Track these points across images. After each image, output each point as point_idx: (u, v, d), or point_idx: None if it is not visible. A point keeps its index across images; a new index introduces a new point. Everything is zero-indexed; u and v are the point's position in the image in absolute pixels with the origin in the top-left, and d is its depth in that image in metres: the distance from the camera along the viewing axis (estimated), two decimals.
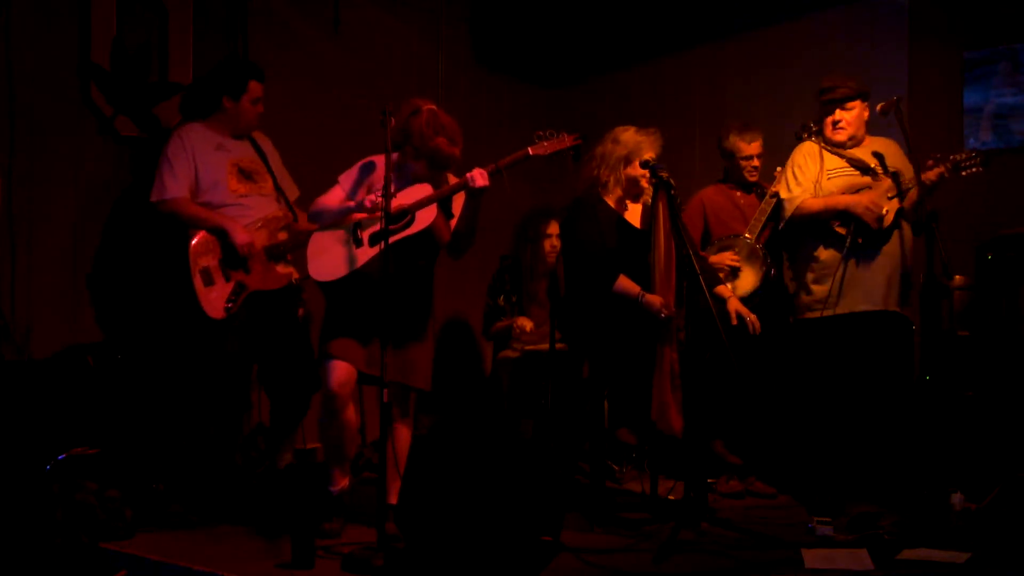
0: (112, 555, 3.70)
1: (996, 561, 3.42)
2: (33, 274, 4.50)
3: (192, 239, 4.42)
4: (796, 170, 4.65)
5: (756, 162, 4.97)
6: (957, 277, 4.74)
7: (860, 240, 4.46)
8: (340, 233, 4.03)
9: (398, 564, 3.39)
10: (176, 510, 4.15)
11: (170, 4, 4.93)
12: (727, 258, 4.81)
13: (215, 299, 4.40)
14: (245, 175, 4.59)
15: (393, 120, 3.81)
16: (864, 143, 4.64)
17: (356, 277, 3.92)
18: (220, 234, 4.43)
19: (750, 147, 4.94)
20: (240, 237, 4.41)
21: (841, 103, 4.54)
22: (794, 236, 4.70)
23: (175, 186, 4.45)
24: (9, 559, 3.60)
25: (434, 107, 4.00)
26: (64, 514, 3.78)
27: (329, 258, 4.01)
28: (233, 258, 4.44)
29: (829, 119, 4.60)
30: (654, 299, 4.10)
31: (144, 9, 4.86)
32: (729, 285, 4.68)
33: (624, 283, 4.16)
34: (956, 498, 4.08)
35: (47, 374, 4.21)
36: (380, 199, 3.80)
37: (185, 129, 4.58)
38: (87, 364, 4.28)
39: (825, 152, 4.61)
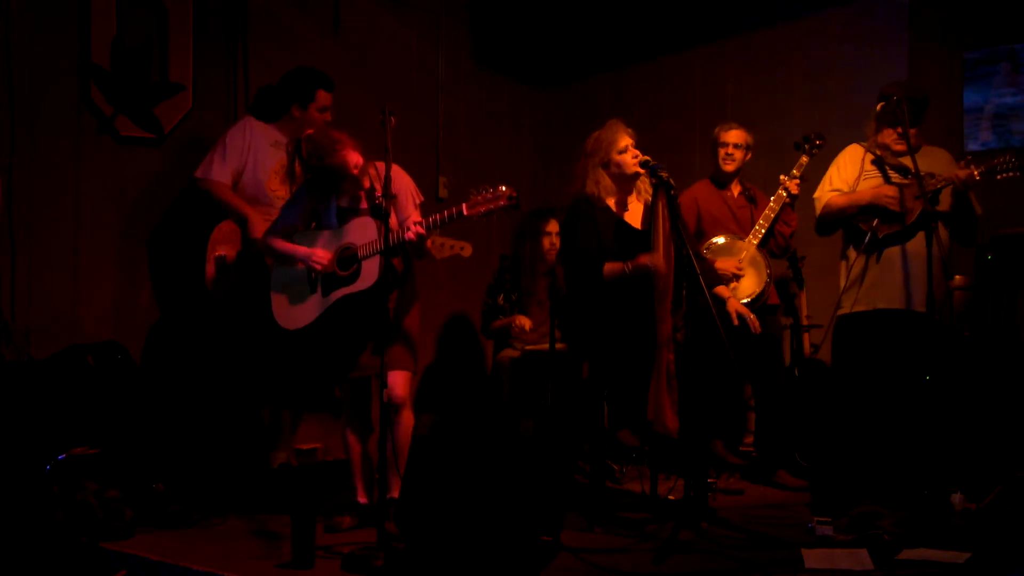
0: (112, 555, 3.70)
1: (996, 561, 3.42)
2: (33, 274, 4.50)
3: (216, 227, 4.49)
4: (834, 169, 4.67)
5: (731, 150, 5.10)
6: (957, 277, 4.74)
7: (881, 235, 4.44)
8: (299, 270, 4.06)
9: (398, 564, 3.39)
10: (176, 510, 4.16)
11: (170, 4, 4.93)
12: (732, 265, 4.85)
13: (223, 288, 4.45)
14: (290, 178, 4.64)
15: (394, 120, 3.81)
16: (920, 151, 4.55)
17: (317, 324, 4.01)
18: (242, 224, 4.48)
19: (726, 135, 5.11)
20: (256, 232, 4.45)
21: (917, 122, 4.47)
22: (827, 234, 4.73)
23: (221, 171, 4.58)
24: (9, 559, 3.60)
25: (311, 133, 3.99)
26: (64, 514, 3.78)
27: (291, 300, 4.07)
28: (250, 252, 4.49)
29: (897, 129, 4.49)
30: (642, 258, 4.08)
31: (144, 9, 4.86)
32: (732, 285, 4.72)
33: (609, 267, 4.15)
34: (956, 498, 4.08)
35: (47, 374, 4.21)
36: (328, 263, 3.92)
37: (251, 120, 4.73)
38: (87, 364, 4.28)
39: (868, 156, 4.61)
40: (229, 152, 4.59)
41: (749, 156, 5.12)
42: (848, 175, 4.61)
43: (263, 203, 4.59)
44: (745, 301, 4.70)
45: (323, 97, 4.73)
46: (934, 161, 4.54)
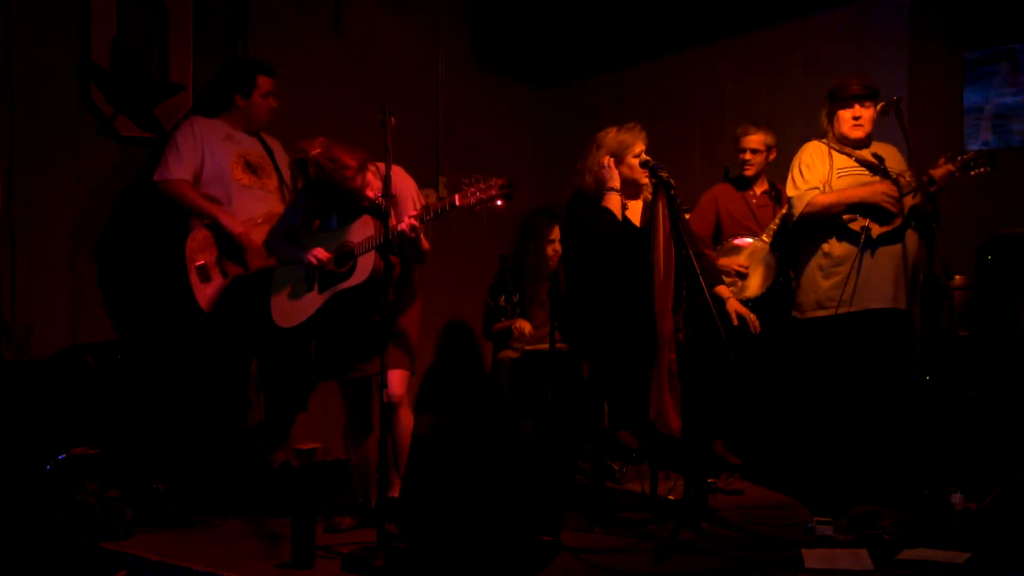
0: (112, 555, 3.70)
1: (996, 561, 3.42)
2: (33, 274, 4.50)
3: (188, 237, 4.44)
4: (804, 168, 4.54)
5: (749, 156, 5.11)
6: (957, 277, 4.74)
7: (875, 235, 4.41)
8: (299, 270, 4.06)
9: (398, 564, 3.39)
10: (176, 510, 4.15)
11: (170, 4, 4.93)
12: (736, 263, 4.84)
13: (212, 295, 4.43)
14: (251, 167, 4.63)
15: (394, 120, 3.80)
16: (870, 146, 4.59)
17: (313, 321, 4.00)
18: (216, 228, 4.46)
19: (744, 140, 5.11)
20: (236, 227, 4.44)
21: (861, 99, 4.46)
22: (802, 232, 4.60)
23: (178, 168, 4.51)
24: (9, 559, 3.60)
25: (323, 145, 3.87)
26: (64, 514, 3.78)
27: (289, 299, 4.07)
28: (230, 253, 4.46)
29: (848, 114, 4.48)
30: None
31: (144, 9, 4.86)
32: (736, 283, 4.72)
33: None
34: (956, 498, 4.08)
35: (47, 374, 4.21)
36: (326, 260, 3.92)
37: (196, 119, 4.67)
38: (87, 364, 4.28)
39: (833, 152, 4.56)
40: (183, 150, 4.52)
41: (774, 155, 5.11)
42: (821, 173, 4.50)
43: (230, 194, 4.54)
44: (749, 298, 4.69)
45: (264, 83, 4.71)
46: (883, 155, 4.53)
